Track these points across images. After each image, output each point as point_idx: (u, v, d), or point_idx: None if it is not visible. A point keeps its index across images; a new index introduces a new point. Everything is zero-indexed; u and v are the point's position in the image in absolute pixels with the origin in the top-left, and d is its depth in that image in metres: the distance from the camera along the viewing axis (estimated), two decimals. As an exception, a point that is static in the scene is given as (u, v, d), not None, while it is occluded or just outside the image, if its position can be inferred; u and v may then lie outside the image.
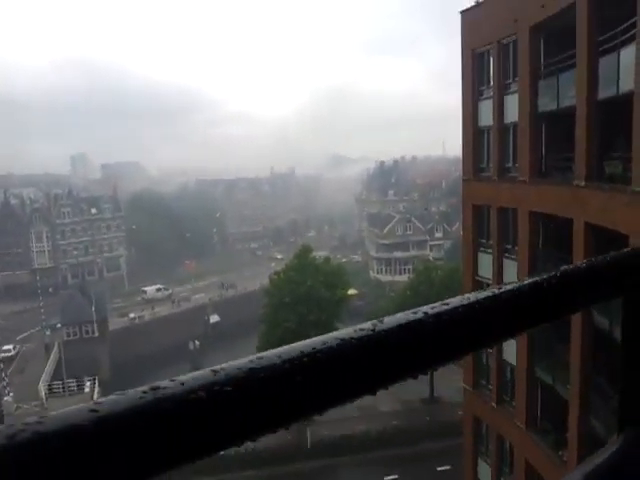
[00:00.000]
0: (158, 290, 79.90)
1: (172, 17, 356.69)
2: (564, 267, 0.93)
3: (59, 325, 62.04)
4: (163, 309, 75.36)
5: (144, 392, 0.49)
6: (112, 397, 0.48)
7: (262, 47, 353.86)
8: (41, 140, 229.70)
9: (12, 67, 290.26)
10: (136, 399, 0.47)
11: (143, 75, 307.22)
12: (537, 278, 0.88)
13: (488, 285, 23.08)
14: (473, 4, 22.77)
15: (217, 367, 0.54)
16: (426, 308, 0.72)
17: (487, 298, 0.78)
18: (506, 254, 22.26)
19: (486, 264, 23.49)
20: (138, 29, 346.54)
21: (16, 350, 59.21)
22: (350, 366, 0.61)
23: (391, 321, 0.67)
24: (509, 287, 0.83)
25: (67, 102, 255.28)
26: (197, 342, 66.54)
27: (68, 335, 60.03)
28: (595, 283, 0.97)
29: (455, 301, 0.75)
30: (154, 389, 0.49)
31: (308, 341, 0.62)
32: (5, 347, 57.89)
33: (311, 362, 0.58)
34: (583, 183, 16.60)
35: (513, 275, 21.44)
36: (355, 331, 0.64)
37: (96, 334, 61.39)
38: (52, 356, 55.92)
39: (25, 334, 63.72)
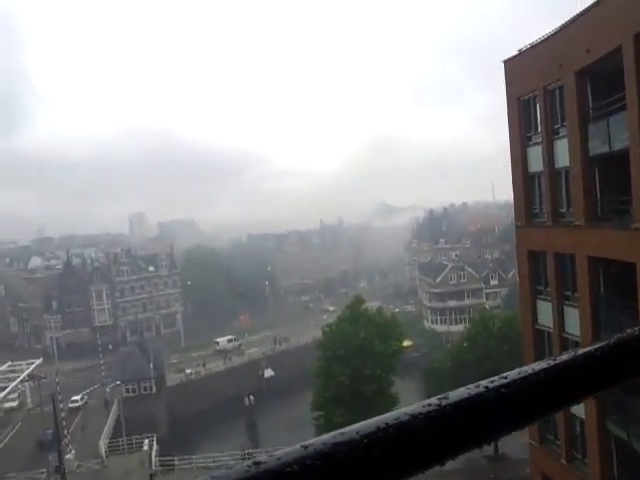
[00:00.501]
0: (229, 341, 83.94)
1: (222, 82, 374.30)
2: (618, 335, 0.94)
3: (118, 382, 63.24)
4: (218, 364, 75.86)
5: (249, 467, 0.57)
6: (224, 471, 0.56)
7: (310, 99, 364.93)
8: (101, 201, 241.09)
9: (74, 132, 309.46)
10: (243, 472, 0.56)
11: (196, 137, 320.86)
12: (590, 348, 0.89)
13: (549, 334, 22.33)
14: (516, 53, 22.97)
15: (306, 443, 0.60)
16: (486, 382, 0.77)
17: (543, 370, 0.81)
18: (566, 301, 21.48)
19: (546, 312, 22.71)
20: (192, 95, 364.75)
21: (83, 401, 61.57)
22: (420, 439, 0.67)
23: (455, 395, 0.73)
24: (564, 357, 0.85)
25: (125, 164, 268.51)
26: (252, 397, 66.27)
27: (127, 392, 61.00)
28: None
29: (513, 374, 0.79)
30: (257, 464, 0.57)
31: (381, 417, 0.67)
32: (73, 398, 60.82)
33: (385, 437, 0.64)
34: (643, 226, 16.06)
35: (575, 322, 20.63)
36: (423, 406, 0.70)
37: (154, 390, 62.16)
38: (112, 413, 56.80)
39: (86, 391, 65.14)
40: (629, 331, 0.95)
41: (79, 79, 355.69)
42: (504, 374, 0.79)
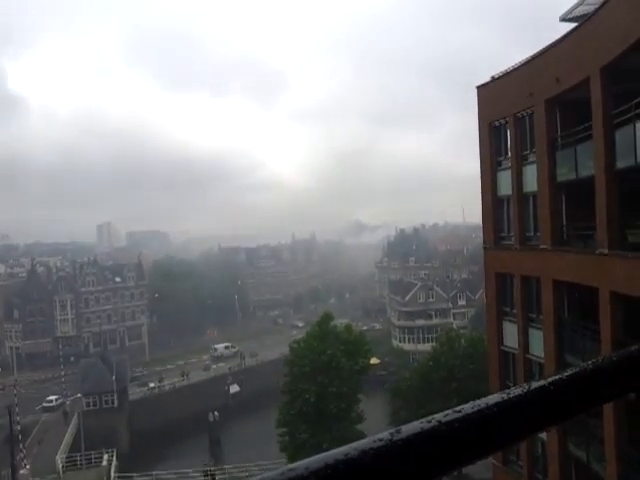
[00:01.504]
0: (226, 347, 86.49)
1: (196, 90, 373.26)
2: (571, 369, 0.94)
3: (79, 394, 61.64)
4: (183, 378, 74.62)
5: None
6: None
7: (286, 113, 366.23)
8: (69, 209, 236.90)
9: (43, 138, 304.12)
10: None
11: (169, 148, 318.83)
12: (544, 382, 0.89)
13: (514, 355, 22.65)
14: (489, 79, 23.55)
15: (255, 479, 0.59)
16: (439, 416, 0.76)
17: (496, 404, 0.81)
18: (531, 323, 21.85)
19: (511, 333, 23.06)
20: (166, 103, 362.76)
21: (59, 402, 62.60)
22: (371, 475, 0.66)
23: (407, 430, 0.72)
24: (517, 391, 0.85)
25: (95, 173, 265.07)
26: (216, 413, 65.20)
27: (88, 405, 59.44)
28: (604, 384, 0.97)
29: (467, 408, 0.78)
30: None
31: (331, 452, 0.66)
32: (48, 398, 63.13)
33: (334, 473, 0.63)
34: (606, 251, 16.51)
35: (539, 344, 20.98)
36: (374, 441, 0.69)
37: (115, 404, 60.72)
38: (71, 426, 55.21)
39: (45, 404, 63.23)
40: (583, 364, 0.96)
41: (49, 83, 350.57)
42: (458, 407, 0.79)
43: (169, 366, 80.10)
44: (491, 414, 0.79)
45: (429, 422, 0.74)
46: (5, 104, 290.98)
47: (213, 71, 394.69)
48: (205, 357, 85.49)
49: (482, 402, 0.81)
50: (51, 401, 62.90)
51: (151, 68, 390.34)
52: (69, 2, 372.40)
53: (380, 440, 0.69)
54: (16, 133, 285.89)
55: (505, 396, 0.83)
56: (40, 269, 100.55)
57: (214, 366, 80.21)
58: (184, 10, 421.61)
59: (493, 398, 0.82)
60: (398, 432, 0.71)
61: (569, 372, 0.93)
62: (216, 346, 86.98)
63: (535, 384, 0.88)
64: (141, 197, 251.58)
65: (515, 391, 0.85)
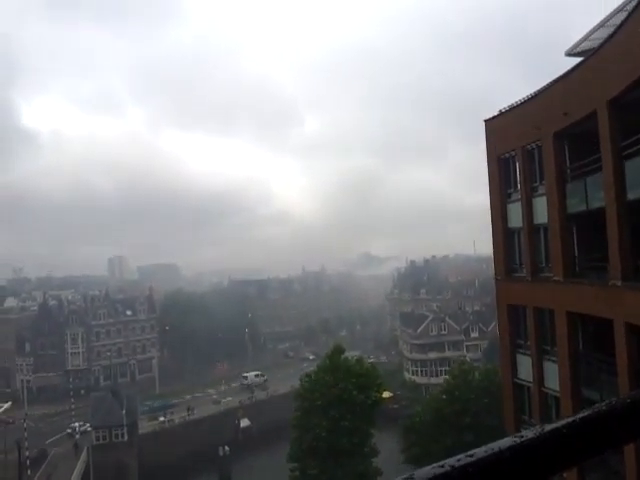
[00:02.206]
0: (256, 376, 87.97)
1: (204, 127, 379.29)
2: (584, 411, 0.96)
3: (89, 428, 61.22)
4: (194, 412, 73.85)
5: None
6: None
7: (292, 150, 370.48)
8: (81, 243, 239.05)
9: (56, 173, 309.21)
10: None
11: (180, 182, 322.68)
12: (557, 425, 0.89)
13: (529, 389, 22.33)
14: (496, 113, 23.86)
15: None
16: (452, 461, 0.76)
17: (509, 448, 0.81)
18: (546, 356, 21.59)
19: (525, 366, 22.77)
20: (175, 138, 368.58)
21: (82, 429, 63.67)
22: None
23: (419, 476, 0.73)
24: (530, 435, 0.85)
25: (107, 207, 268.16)
26: (227, 448, 64.37)
27: (97, 439, 58.95)
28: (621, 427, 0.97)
29: (479, 452, 0.79)
30: None
31: None
32: (72, 425, 65.75)
33: None
34: (620, 283, 16.42)
35: (555, 377, 20.69)
36: None
37: (125, 438, 60.16)
38: (80, 461, 54.66)
39: (55, 437, 62.82)
40: (595, 407, 0.97)
41: (62, 119, 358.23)
42: (470, 452, 0.79)
43: (174, 400, 79.21)
44: (504, 459, 0.79)
45: (442, 467, 0.74)
46: (18, 140, 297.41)
47: (222, 106, 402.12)
48: (212, 391, 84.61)
49: (495, 446, 0.81)
50: (74, 428, 64.34)
51: (160, 103, 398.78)
52: (79, 41, 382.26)
53: None
54: (29, 168, 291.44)
55: (518, 440, 0.83)
56: (52, 302, 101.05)
57: (224, 400, 79.51)
58: (191, 47, 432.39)
59: (506, 442, 0.82)
60: (411, 478, 0.72)
61: (582, 414, 0.93)
62: (246, 374, 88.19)
63: (548, 427, 0.88)
64: (152, 231, 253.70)
65: (528, 434, 0.85)
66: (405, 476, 0.72)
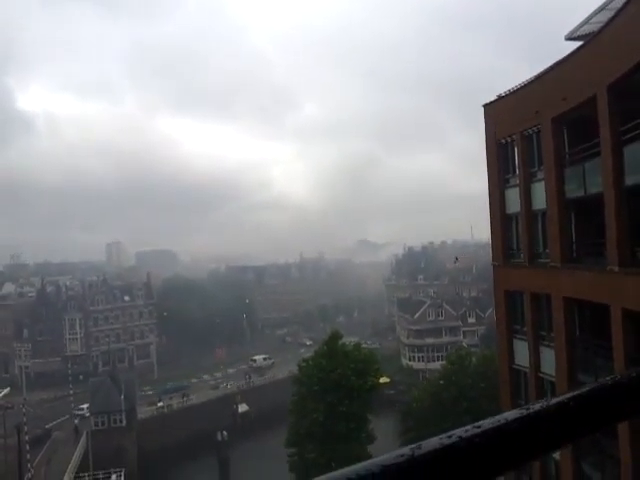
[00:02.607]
0: (265, 359, 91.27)
1: (204, 114, 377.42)
2: (590, 384, 0.96)
3: (87, 414, 61.51)
4: (191, 397, 74.30)
5: None
6: None
7: (290, 135, 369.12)
8: (79, 229, 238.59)
9: (52, 158, 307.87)
10: None
11: (177, 167, 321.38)
12: (563, 398, 0.90)
13: (525, 374, 22.44)
14: (495, 98, 23.69)
15: None
16: (459, 432, 0.78)
17: (516, 419, 0.83)
18: (542, 341, 21.67)
19: (522, 352, 22.86)
20: (174, 124, 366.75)
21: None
22: None
23: (427, 445, 0.73)
24: (537, 407, 0.87)
25: (104, 193, 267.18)
26: (225, 433, 64.83)
27: (96, 424, 59.29)
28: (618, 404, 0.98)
29: (486, 423, 0.81)
30: None
31: (354, 467, 0.68)
32: (80, 406, 66.25)
33: None
34: (617, 268, 16.42)
35: (551, 363, 20.78)
36: (395, 457, 0.70)
37: (124, 423, 60.52)
38: (79, 446, 55.02)
39: (54, 422, 63.16)
40: (601, 380, 0.98)
41: (58, 103, 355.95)
42: (477, 423, 0.80)
43: (185, 383, 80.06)
44: (511, 430, 0.81)
45: (449, 437, 0.76)
46: (13, 124, 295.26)
47: (219, 90, 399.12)
48: (218, 374, 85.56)
49: (502, 418, 0.82)
50: (82, 409, 64.86)
51: (157, 87, 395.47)
52: (75, 23, 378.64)
53: (402, 456, 0.71)
54: (25, 153, 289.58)
55: (525, 412, 0.85)
56: (50, 288, 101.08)
57: (223, 385, 79.96)
58: (188, 31, 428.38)
59: (513, 414, 0.84)
60: (419, 448, 0.73)
61: (588, 388, 0.95)
62: (255, 357, 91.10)
63: (554, 400, 0.89)
64: (149, 217, 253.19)
65: (534, 407, 0.87)
66: (413, 446, 0.73)
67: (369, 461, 0.69)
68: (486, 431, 0.79)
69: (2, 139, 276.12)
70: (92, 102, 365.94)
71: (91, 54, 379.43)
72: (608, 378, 0.99)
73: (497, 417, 0.83)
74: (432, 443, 0.74)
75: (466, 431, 0.78)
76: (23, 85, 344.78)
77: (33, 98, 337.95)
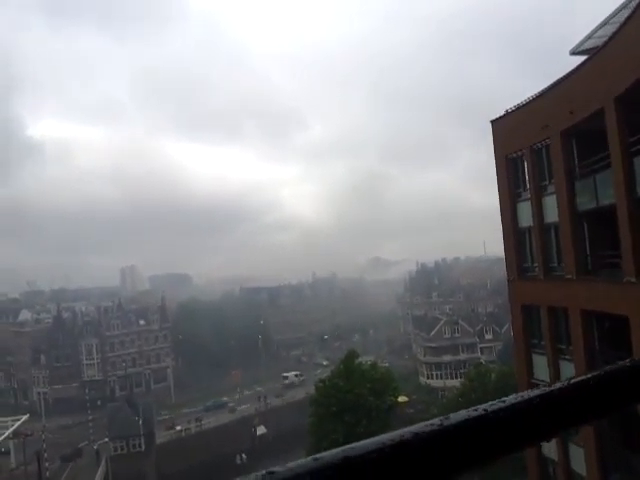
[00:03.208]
0: (296, 376, 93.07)
1: (213, 136, 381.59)
2: (611, 365, 1.03)
3: (106, 439, 61.55)
4: (212, 420, 74.09)
5: (263, 475, 0.63)
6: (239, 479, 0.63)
7: (299, 155, 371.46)
8: (93, 254, 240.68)
9: (67, 184, 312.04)
10: None
11: (190, 191, 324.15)
12: (584, 377, 0.96)
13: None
14: (503, 113, 23.90)
15: (317, 456, 0.65)
16: (485, 405, 0.84)
17: (538, 396, 0.88)
18: (561, 355, 21.52)
19: (541, 366, 22.69)
20: (185, 147, 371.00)
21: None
22: (423, 457, 0.72)
23: (456, 417, 0.79)
24: (559, 385, 0.93)
25: (118, 217, 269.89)
26: (244, 455, 64.48)
27: (115, 450, 59.33)
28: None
29: (510, 399, 0.87)
30: (270, 473, 0.63)
31: (389, 435, 0.72)
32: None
33: (393, 452, 0.70)
34: (634, 279, 16.38)
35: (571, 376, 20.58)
36: (426, 426, 0.76)
37: (143, 448, 60.46)
38: (99, 472, 54.98)
39: (73, 449, 63.18)
40: (621, 362, 1.04)
41: (68, 129, 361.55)
42: (502, 398, 0.86)
43: (186, 410, 79.47)
44: (534, 405, 0.86)
45: (476, 410, 0.82)
46: (24, 151, 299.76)
47: (227, 112, 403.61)
48: (236, 397, 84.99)
49: (525, 394, 0.88)
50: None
51: (166, 111, 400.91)
52: (84, 50, 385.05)
53: (432, 425, 0.76)
54: (38, 179, 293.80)
55: (547, 389, 0.91)
56: (66, 314, 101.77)
57: (239, 408, 79.65)
58: (194, 54, 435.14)
59: (536, 391, 0.89)
60: (447, 419, 0.78)
61: (609, 368, 1.00)
62: (286, 374, 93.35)
63: (575, 379, 0.95)
64: (162, 241, 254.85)
65: (557, 385, 0.92)
66: (442, 417, 0.78)
67: (402, 429, 0.73)
68: (511, 405, 0.84)
69: (15, 166, 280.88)
70: (102, 126, 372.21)
71: (99, 79, 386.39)
72: (627, 360, 1.04)
73: (521, 393, 0.88)
74: (460, 415, 0.79)
75: (492, 405, 0.84)
76: (34, 112, 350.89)
77: (44, 124, 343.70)
